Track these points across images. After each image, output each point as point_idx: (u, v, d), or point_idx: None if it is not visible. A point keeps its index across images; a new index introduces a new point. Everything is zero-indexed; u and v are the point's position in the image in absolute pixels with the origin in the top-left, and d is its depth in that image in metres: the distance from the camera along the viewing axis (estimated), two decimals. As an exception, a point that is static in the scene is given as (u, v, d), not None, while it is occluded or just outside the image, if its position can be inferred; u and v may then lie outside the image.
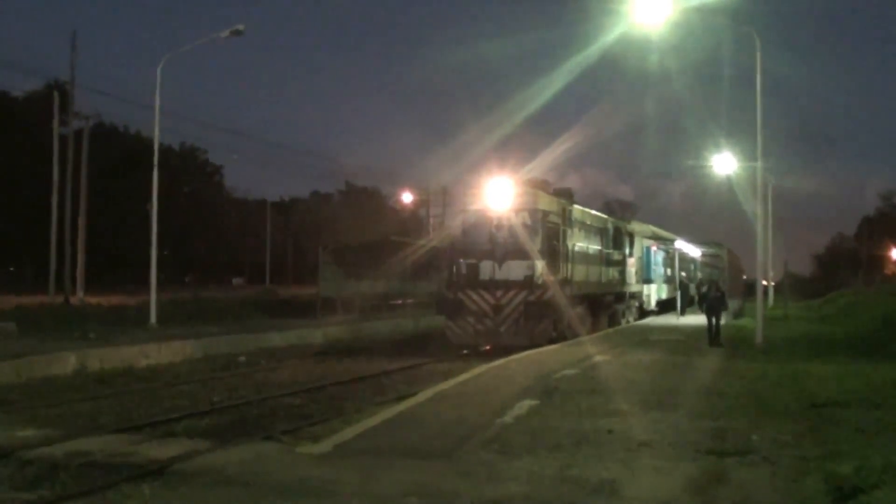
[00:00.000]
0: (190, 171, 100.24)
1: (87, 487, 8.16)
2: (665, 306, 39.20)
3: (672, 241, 41.14)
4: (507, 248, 21.89)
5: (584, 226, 25.96)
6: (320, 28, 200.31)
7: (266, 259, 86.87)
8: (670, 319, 34.22)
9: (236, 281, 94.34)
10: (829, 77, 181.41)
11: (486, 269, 21.93)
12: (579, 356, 17.98)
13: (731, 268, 52.01)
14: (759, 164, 23.41)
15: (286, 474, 8.14)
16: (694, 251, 43.80)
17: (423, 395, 12.62)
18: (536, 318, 21.35)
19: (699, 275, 47.74)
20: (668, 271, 41.36)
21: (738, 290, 52.31)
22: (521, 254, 21.71)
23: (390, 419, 10.75)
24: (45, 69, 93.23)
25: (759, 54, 21.91)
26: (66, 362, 17.55)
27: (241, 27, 27.19)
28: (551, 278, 21.68)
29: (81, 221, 36.85)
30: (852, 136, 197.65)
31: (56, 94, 39.74)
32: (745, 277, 63.96)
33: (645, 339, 23.42)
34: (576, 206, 25.46)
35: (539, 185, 23.82)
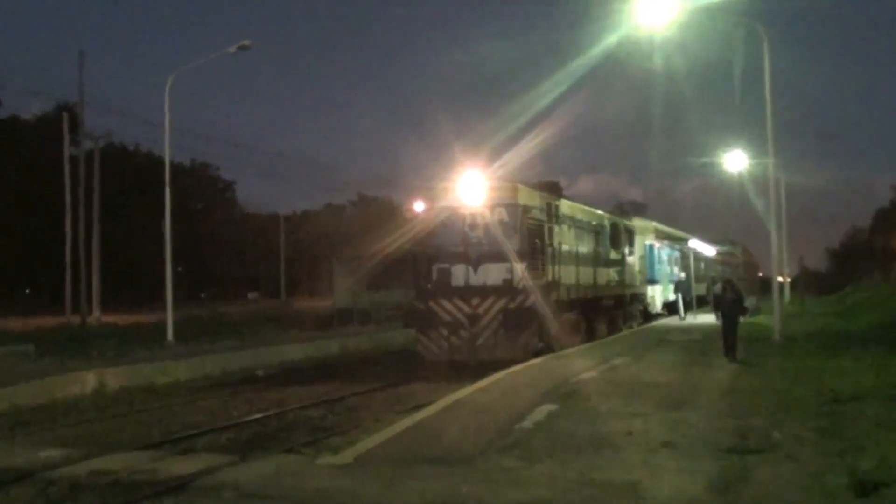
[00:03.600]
0: (202, 187, 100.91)
1: (111, 505, 8.21)
2: (673, 308, 37.28)
3: (679, 237, 40.35)
4: (482, 250, 19.46)
5: (574, 222, 23.61)
6: (327, 40, 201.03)
7: (280, 273, 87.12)
8: (677, 322, 32.90)
9: (251, 295, 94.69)
10: (837, 70, 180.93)
11: (460, 273, 19.51)
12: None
13: (746, 265, 51.89)
14: (770, 159, 23.34)
15: (307, 486, 8.15)
16: (708, 250, 43.33)
17: (441, 403, 12.59)
18: (517, 329, 18.87)
19: (710, 274, 46.43)
20: (676, 270, 39.74)
21: (753, 288, 52.17)
22: (498, 255, 19.23)
23: (409, 428, 10.74)
24: (55, 90, 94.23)
25: (766, 49, 21.89)
26: (85, 382, 17.64)
27: (247, 42, 27.39)
28: (534, 282, 19.29)
29: (95, 241, 37.07)
30: (864, 129, 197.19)
31: (65, 115, 40.02)
32: (760, 274, 63.87)
33: (652, 343, 22.50)
34: (564, 201, 23.22)
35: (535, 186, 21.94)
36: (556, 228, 21.62)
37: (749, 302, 37.94)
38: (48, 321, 32.16)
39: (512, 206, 19.54)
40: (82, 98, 38.49)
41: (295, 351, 25.02)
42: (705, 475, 7.76)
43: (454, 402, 12.74)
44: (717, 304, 18.39)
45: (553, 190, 23.13)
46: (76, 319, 35.22)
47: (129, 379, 18.58)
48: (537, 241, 20.08)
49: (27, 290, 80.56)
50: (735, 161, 38.74)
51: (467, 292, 19.25)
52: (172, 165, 30.20)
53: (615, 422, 10.41)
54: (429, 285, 19.93)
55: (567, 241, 22.58)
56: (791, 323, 27.25)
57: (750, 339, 20.97)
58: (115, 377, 18.32)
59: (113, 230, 52.95)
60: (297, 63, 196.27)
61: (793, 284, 58.39)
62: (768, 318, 26.83)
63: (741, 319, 18.42)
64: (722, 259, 48.70)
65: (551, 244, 21.01)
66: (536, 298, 19.07)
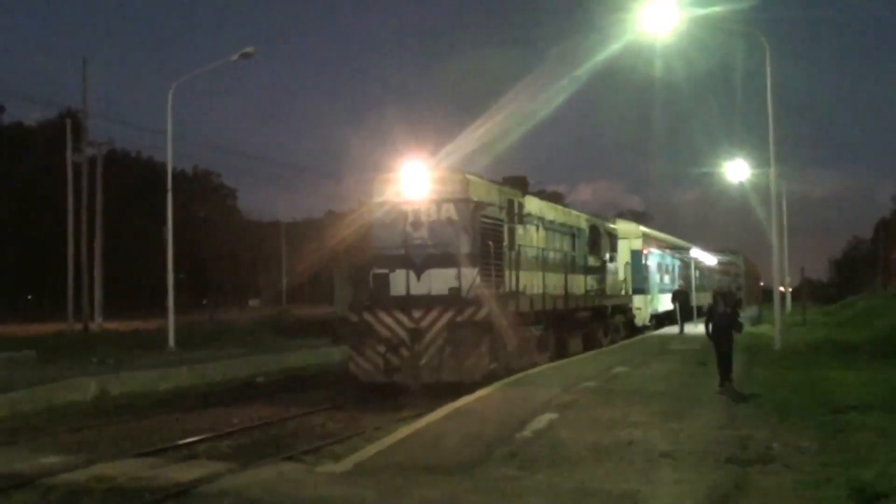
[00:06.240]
0: (204, 194, 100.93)
1: (111, 512, 8.22)
2: (664, 320, 35.27)
3: (673, 244, 39.53)
4: (426, 253, 16.73)
5: (543, 223, 20.81)
6: (330, 46, 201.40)
7: (282, 280, 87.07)
8: (670, 334, 30.74)
9: (252, 302, 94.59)
10: (841, 80, 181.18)
11: (400, 281, 16.82)
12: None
13: (747, 275, 51.74)
14: (772, 169, 23.36)
15: (307, 494, 8.16)
16: (708, 258, 42.93)
17: (441, 412, 12.60)
18: (467, 346, 16.01)
19: (709, 283, 45.04)
20: (667, 279, 37.74)
21: (755, 297, 52.08)
22: (445, 259, 16.56)
23: (410, 436, 10.75)
24: (58, 97, 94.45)
25: (768, 59, 21.94)
26: (87, 388, 17.65)
27: (250, 50, 27.50)
28: (488, 291, 16.51)
29: (97, 248, 37.09)
30: (866, 138, 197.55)
31: (69, 122, 40.06)
32: (762, 284, 63.81)
33: (650, 354, 21.94)
34: (531, 198, 20.25)
35: (518, 183, 19.77)
36: (520, 229, 19.04)
37: (751, 311, 37.56)
38: (50, 327, 32.21)
39: (462, 202, 16.80)
40: (86, 105, 38.64)
41: (295, 359, 25.03)
42: (705, 486, 7.76)
43: (454, 410, 12.75)
44: (709, 318, 15.10)
45: (520, 185, 19.95)
46: (78, 325, 35.22)
47: (131, 385, 18.61)
48: (492, 242, 17.10)
49: (29, 296, 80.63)
50: (736, 170, 38.73)
51: (409, 303, 16.62)
52: (174, 173, 30.30)
53: (615, 431, 10.41)
54: (364, 294, 17.48)
55: (533, 243, 19.96)
56: (793, 333, 27.23)
57: (751, 350, 20.92)
58: (116, 383, 18.34)
59: (115, 237, 52.99)
60: (301, 71, 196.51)
61: (795, 294, 58.37)
62: (770, 327, 26.76)
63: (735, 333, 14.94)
64: (722, 268, 48.40)
65: (512, 247, 18.35)
66: (490, 310, 16.31)
